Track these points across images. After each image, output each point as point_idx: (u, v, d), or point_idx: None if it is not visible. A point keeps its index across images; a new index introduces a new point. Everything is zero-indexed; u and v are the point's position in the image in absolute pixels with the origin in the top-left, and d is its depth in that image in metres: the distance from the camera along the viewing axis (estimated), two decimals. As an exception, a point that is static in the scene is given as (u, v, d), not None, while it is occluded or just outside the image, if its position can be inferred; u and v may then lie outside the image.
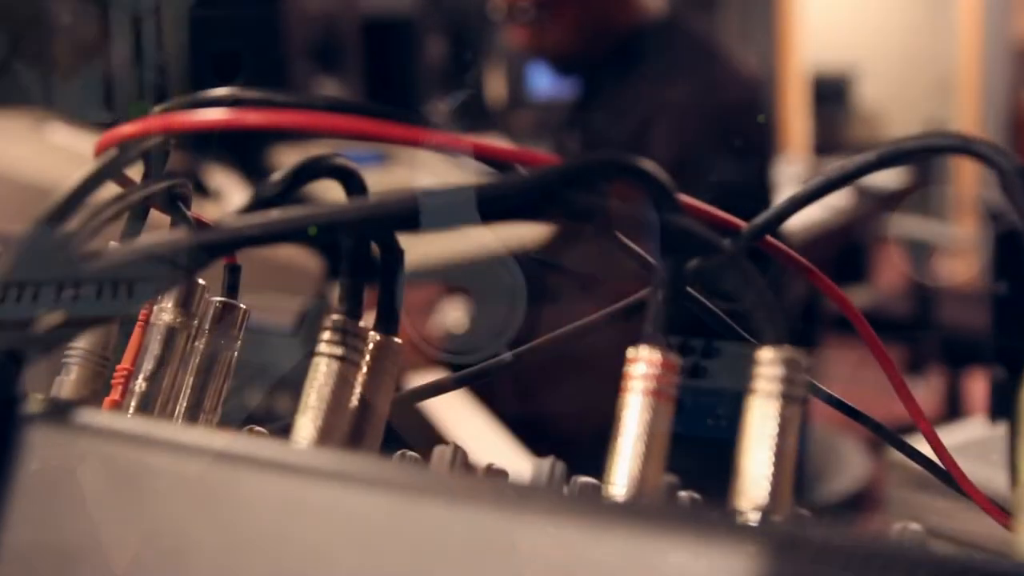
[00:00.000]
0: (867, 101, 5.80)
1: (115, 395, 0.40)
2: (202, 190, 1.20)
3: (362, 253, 0.33)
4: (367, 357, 0.34)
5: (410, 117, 0.31)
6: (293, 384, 1.33)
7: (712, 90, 1.42)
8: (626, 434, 0.28)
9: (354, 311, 0.34)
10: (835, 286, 0.35)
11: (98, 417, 0.25)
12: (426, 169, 1.98)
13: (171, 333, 0.38)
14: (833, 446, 1.66)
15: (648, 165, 0.28)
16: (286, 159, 1.90)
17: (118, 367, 0.40)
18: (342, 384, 0.33)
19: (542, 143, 2.69)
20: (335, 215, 0.26)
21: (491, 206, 0.26)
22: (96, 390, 0.38)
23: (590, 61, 1.54)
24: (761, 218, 0.32)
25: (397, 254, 0.34)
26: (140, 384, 0.37)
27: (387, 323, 0.35)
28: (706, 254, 0.29)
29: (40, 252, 0.28)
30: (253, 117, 0.28)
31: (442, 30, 2.58)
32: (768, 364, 0.28)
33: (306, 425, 0.32)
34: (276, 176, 0.31)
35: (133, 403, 0.37)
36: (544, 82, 2.89)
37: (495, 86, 2.72)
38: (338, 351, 0.33)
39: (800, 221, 1.62)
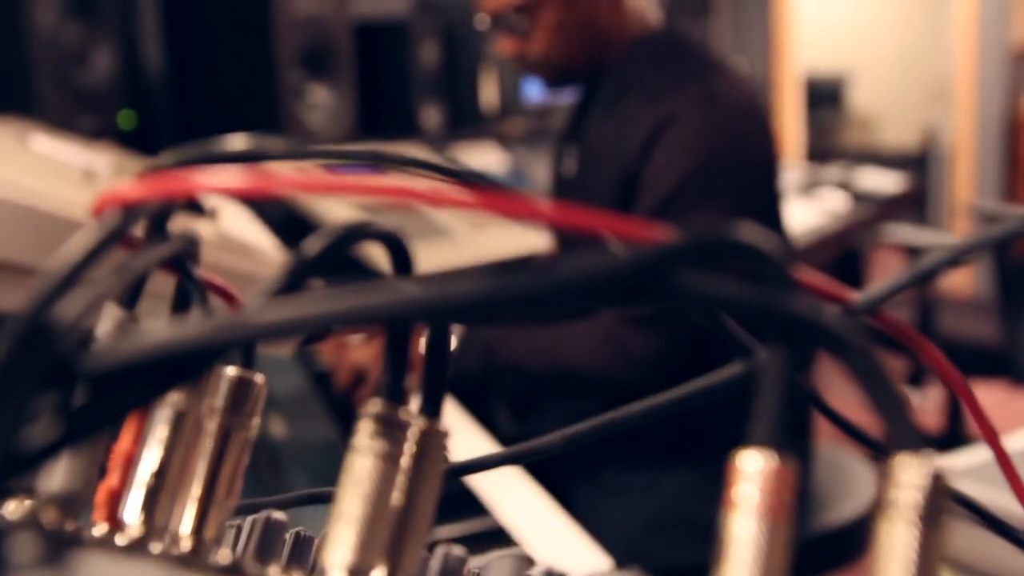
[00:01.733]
0: (862, 106, 5.78)
1: (112, 480, 0.35)
2: (196, 208, 1.15)
3: (407, 335, 0.28)
4: (410, 449, 0.30)
5: (472, 178, 0.26)
6: (286, 407, 1.28)
7: (719, 99, 1.37)
8: (738, 562, 0.24)
9: (396, 395, 0.29)
10: (948, 363, 0.31)
11: (99, 567, 0.20)
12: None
13: (178, 414, 0.33)
14: (841, 465, 1.61)
15: (760, 239, 0.23)
16: (273, 165, 1.85)
17: (114, 446, 0.36)
18: (383, 485, 0.29)
19: (536, 151, 2.64)
20: (393, 307, 0.21)
21: (585, 292, 0.22)
22: (91, 480, 0.33)
23: (582, 73, 1.50)
24: (877, 291, 0.27)
25: (447, 331, 0.29)
26: (145, 479, 0.32)
27: (433, 406, 0.31)
28: (822, 338, 0.25)
29: (32, 346, 0.23)
30: (285, 184, 0.23)
31: (435, 35, 2.53)
32: (906, 478, 0.24)
33: (344, 536, 0.28)
34: (316, 245, 0.26)
35: (139, 500, 0.32)
36: (538, 89, 2.85)
37: (488, 92, 2.68)
38: (378, 446, 0.28)
39: (799, 226, 1.58)
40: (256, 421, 0.35)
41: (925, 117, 5.16)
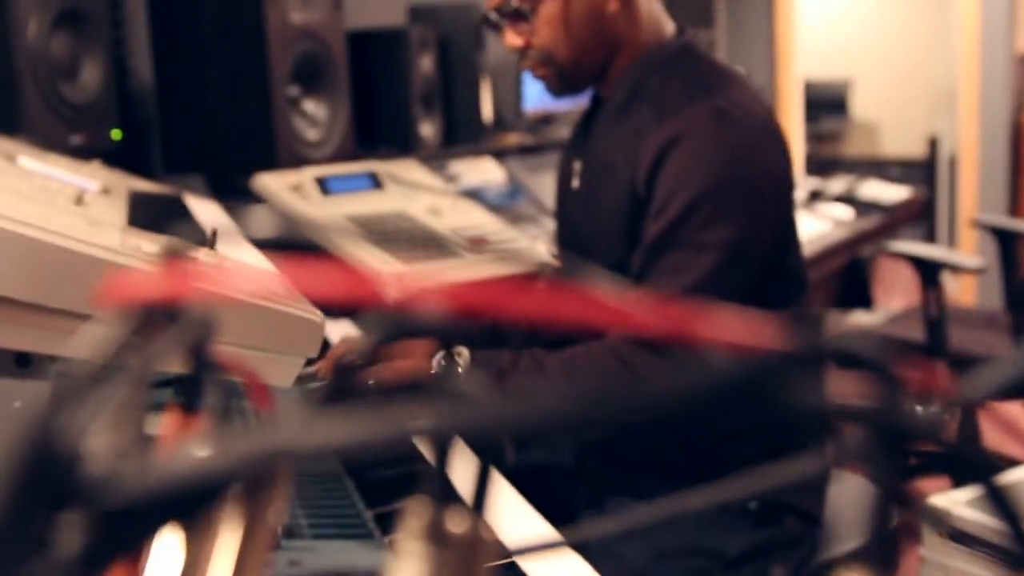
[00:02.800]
0: (864, 114, 5.76)
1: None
2: (193, 234, 1.12)
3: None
4: (455, 557, 0.27)
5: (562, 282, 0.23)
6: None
7: (730, 115, 1.34)
8: None
9: (443, 499, 0.26)
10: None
11: None
12: (422, 189, 1.90)
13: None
14: (859, 491, 1.58)
15: (866, 347, 0.21)
16: (267, 183, 1.81)
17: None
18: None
19: (534, 163, 2.61)
20: (473, 429, 0.18)
21: (689, 408, 0.19)
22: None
23: (590, 76, 1.47)
24: (980, 386, 0.24)
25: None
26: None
27: (480, 501, 0.28)
28: (938, 446, 0.22)
29: (44, 475, 0.20)
30: (352, 286, 0.20)
31: (431, 46, 2.50)
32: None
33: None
34: (359, 347, 0.23)
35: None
36: (536, 100, 2.82)
37: (486, 104, 2.65)
38: (423, 557, 0.26)
39: (803, 236, 1.54)
40: (281, 510, 0.32)
41: (929, 125, 5.14)
